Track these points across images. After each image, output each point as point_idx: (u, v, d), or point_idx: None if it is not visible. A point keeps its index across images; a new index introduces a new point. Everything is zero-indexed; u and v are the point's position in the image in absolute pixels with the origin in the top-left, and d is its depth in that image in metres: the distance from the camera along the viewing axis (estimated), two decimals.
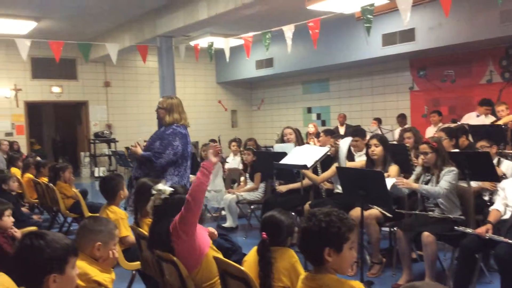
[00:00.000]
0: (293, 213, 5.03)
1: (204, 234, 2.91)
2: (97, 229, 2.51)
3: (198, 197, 2.70)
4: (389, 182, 4.08)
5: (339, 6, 8.16)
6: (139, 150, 4.49)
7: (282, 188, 5.60)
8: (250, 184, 6.54)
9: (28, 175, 7.11)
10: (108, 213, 3.82)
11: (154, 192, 2.82)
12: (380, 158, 4.61)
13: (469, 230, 3.75)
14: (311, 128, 10.32)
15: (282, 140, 5.97)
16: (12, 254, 3.18)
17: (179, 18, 9.18)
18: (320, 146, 5.99)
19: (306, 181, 5.39)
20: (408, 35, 9.80)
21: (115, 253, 2.53)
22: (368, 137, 5.30)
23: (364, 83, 12.54)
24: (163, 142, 4.45)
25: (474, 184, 4.78)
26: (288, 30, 7.59)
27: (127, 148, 10.93)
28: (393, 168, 4.56)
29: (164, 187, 2.81)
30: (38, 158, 8.51)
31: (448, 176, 4.03)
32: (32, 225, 4.92)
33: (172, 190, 2.81)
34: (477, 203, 4.35)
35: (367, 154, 4.74)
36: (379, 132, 9.19)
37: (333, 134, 6.76)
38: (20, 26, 10.28)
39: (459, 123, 7.17)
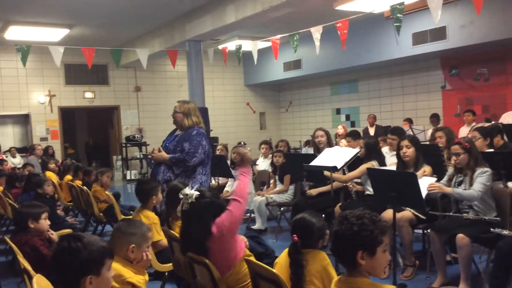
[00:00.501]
0: (323, 215, 5.00)
1: (239, 238, 2.93)
2: (131, 232, 2.56)
3: (245, 197, 2.84)
4: (425, 181, 4.02)
5: (368, 6, 8.08)
6: (165, 154, 4.59)
7: (313, 191, 5.57)
8: (279, 186, 6.53)
9: (68, 177, 7.29)
10: (141, 217, 3.88)
11: (181, 196, 2.85)
12: (412, 160, 4.53)
13: (505, 232, 3.64)
14: (340, 130, 10.24)
15: (313, 142, 5.89)
16: (49, 256, 3.29)
17: (207, 22, 9.27)
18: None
19: (336, 184, 5.35)
20: (439, 33, 9.62)
21: (148, 255, 2.57)
22: None
23: (394, 83, 12.37)
24: (192, 143, 4.56)
25: (511, 184, 4.66)
26: (316, 32, 7.57)
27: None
28: (427, 169, 4.48)
29: (191, 191, 2.83)
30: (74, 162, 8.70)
31: (481, 178, 3.93)
32: (67, 227, 5.04)
33: (198, 194, 2.82)
34: None
35: (398, 155, 4.67)
36: (411, 132, 9.06)
37: (358, 136, 6.72)
38: (53, 34, 10.57)
39: (494, 122, 6.99)
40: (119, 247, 2.45)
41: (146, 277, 2.54)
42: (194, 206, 2.80)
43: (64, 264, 1.84)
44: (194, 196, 2.80)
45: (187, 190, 2.83)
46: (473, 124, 8.38)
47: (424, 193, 3.86)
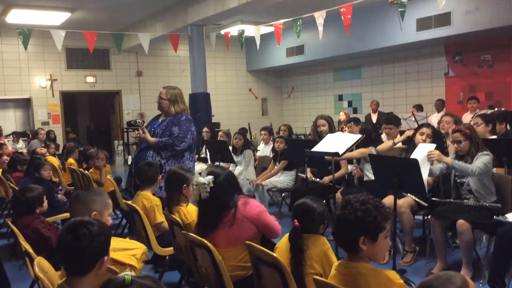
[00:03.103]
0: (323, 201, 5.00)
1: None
2: (92, 199, 2.58)
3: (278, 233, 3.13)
4: (424, 148, 3.99)
5: None
6: (150, 137, 4.62)
7: (326, 178, 5.47)
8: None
9: (70, 161, 7.30)
10: (143, 200, 3.88)
11: (195, 186, 2.83)
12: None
13: (509, 219, 3.64)
14: (342, 116, 10.20)
15: (315, 131, 5.83)
16: (53, 239, 3.30)
17: (210, 6, 9.19)
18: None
19: (342, 170, 5.34)
20: (443, 19, 9.53)
21: (109, 221, 2.63)
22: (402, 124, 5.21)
23: (397, 69, 12.29)
24: (182, 128, 4.61)
25: None
26: (320, 17, 7.50)
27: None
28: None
29: (206, 179, 2.82)
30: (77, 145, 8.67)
31: (482, 158, 3.90)
32: (67, 211, 5.04)
33: (213, 178, 2.83)
34: None
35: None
36: (413, 119, 9.02)
37: (359, 122, 6.70)
38: (54, 17, 10.50)
39: (497, 109, 6.94)
40: (81, 216, 2.33)
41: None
42: (216, 189, 2.81)
43: (87, 249, 1.88)
44: (211, 182, 2.79)
45: (202, 179, 2.81)
46: (477, 111, 8.34)
47: (423, 159, 3.83)
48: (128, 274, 1.48)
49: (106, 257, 1.93)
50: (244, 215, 2.85)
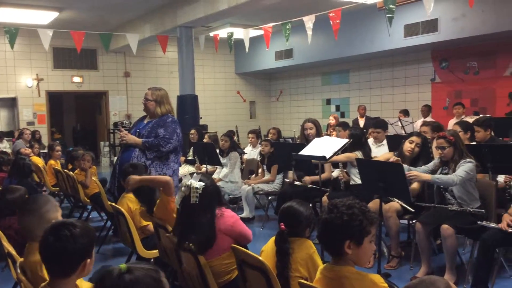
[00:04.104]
0: (310, 205, 5.00)
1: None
2: (46, 210, 2.52)
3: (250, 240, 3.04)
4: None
5: None
6: (137, 138, 4.60)
7: (307, 178, 5.50)
8: (267, 176, 6.53)
9: (52, 162, 7.22)
10: (128, 202, 3.86)
11: (184, 188, 2.82)
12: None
13: (492, 225, 3.68)
14: (332, 120, 10.25)
15: (303, 134, 5.84)
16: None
17: (200, 8, 9.17)
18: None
19: (325, 174, 5.36)
20: (431, 25, 9.63)
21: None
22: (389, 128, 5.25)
23: (384, 74, 12.38)
24: (168, 129, 4.60)
25: (500, 179, 4.71)
26: (309, 21, 7.53)
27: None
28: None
29: (198, 183, 2.81)
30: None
31: (464, 166, 3.94)
32: None
33: (204, 185, 2.82)
34: (499, 197, 4.27)
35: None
36: (399, 124, 9.09)
37: (348, 126, 6.73)
38: (42, 16, 10.40)
39: (482, 115, 7.02)
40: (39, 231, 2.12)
41: None
42: (203, 196, 2.80)
43: (68, 251, 1.86)
44: (202, 188, 2.79)
45: (195, 183, 2.80)
46: (463, 117, 8.43)
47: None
48: (122, 264, 1.46)
49: (88, 260, 1.90)
50: (218, 228, 2.83)
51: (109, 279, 1.44)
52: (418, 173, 4.03)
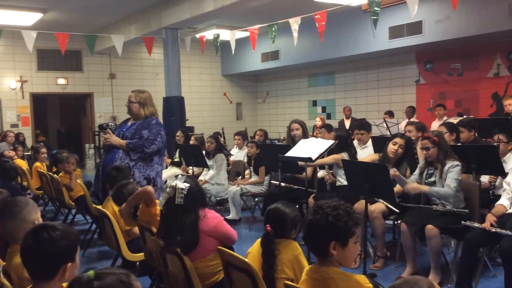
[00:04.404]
0: (296, 206, 5.02)
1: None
2: (27, 211, 2.49)
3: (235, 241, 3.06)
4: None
5: None
6: (117, 139, 4.60)
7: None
8: (254, 177, 6.54)
9: (37, 164, 7.14)
10: (113, 205, 3.82)
11: (169, 189, 2.80)
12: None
13: (476, 225, 3.73)
14: (318, 122, 10.29)
15: (289, 135, 5.85)
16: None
17: (185, 10, 9.15)
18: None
19: (310, 174, 5.37)
20: (415, 28, 9.72)
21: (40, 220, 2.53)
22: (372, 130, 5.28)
23: (370, 76, 12.47)
24: (152, 131, 4.62)
25: (484, 179, 4.77)
26: (295, 23, 7.55)
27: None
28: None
29: (184, 184, 2.80)
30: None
31: (452, 173, 4.00)
32: None
33: (189, 186, 2.82)
34: (482, 197, 4.32)
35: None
36: (385, 125, 9.16)
37: (332, 128, 6.76)
38: (25, 18, 10.28)
39: (466, 116, 7.10)
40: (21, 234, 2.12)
41: None
42: (188, 197, 2.79)
43: (46, 254, 1.83)
44: (186, 190, 2.78)
45: (180, 184, 2.79)
46: (445, 118, 8.52)
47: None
48: (91, 270, 1.44)
49: (70, 264, 1.87)
50: (202, 229, 2.82)
51: (78, 287, 1.42)
52: (418, 186, 4.15)
